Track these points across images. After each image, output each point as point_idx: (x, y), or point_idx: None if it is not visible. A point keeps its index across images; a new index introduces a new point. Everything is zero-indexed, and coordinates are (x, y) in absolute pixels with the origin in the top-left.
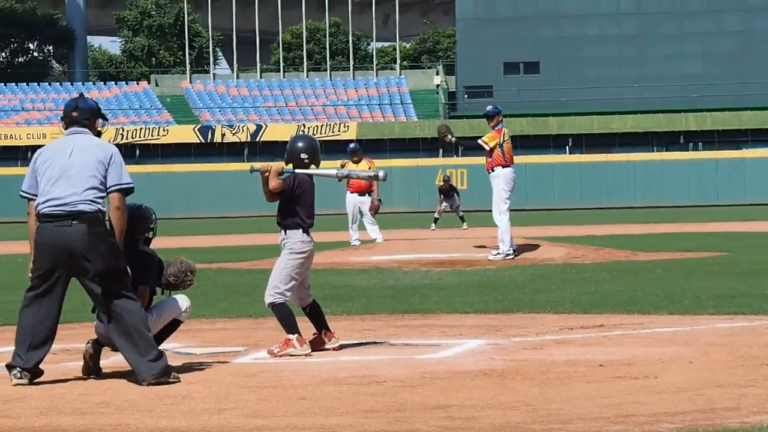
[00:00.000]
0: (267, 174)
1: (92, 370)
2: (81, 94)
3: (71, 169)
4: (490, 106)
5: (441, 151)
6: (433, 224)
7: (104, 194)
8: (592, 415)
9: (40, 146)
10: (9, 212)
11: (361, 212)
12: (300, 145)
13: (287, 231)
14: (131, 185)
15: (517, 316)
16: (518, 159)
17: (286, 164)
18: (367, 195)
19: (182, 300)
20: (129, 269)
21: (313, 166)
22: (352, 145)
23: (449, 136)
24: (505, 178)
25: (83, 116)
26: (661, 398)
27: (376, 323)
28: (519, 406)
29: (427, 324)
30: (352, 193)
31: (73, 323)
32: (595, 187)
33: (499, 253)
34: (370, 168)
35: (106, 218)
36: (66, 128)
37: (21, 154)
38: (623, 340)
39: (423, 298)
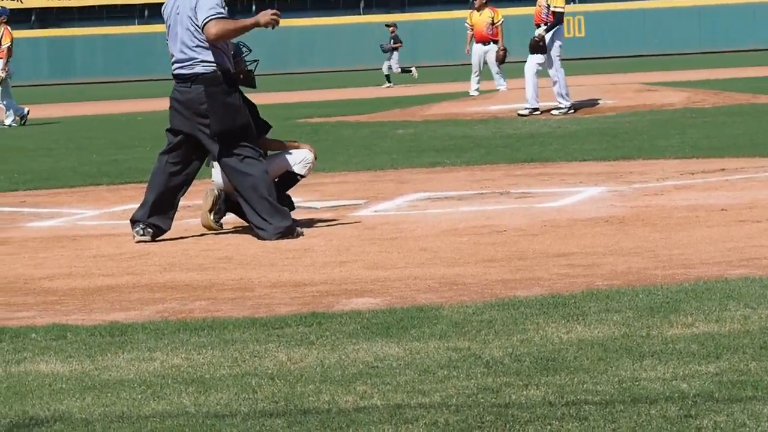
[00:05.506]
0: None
1: (212, 219)
2: None
3: (177, 25)
4: None
5: None
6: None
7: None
8: (714, 259)
9: (156, 4)
10: (127, 72)
11: (486, 62)
12: None
13: None
14: (222, 14)
15: (637, 162)
16: (634, 5)
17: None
18: (492, 44)
19: (299, 154)
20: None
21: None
22: None
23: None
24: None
25: None
26: None
27: (495, 173)
28: (640, 252)
29: (547, 172)
30: (477, 43)
31: (195, 180)
32: (714, 30)
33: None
34: (493, 17)
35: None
36: None
37: (138, 14)
38: (745, 184)
39: (542, 147)
